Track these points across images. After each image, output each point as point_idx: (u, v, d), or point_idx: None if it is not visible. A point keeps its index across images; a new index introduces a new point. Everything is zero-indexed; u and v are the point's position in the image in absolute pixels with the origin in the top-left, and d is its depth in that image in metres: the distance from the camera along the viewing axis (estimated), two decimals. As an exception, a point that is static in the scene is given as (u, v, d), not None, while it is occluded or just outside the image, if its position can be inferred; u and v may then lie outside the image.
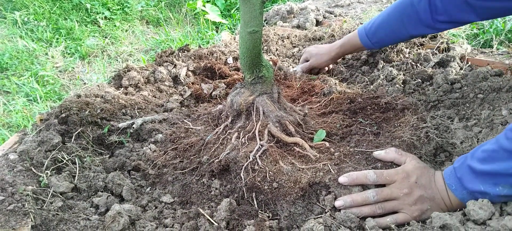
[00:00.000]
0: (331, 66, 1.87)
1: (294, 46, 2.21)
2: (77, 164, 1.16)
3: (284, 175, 1.03)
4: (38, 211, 0.94)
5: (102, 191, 1.09)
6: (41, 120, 1.37)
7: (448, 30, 2.00)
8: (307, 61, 1.82)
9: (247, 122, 1.24)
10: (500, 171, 0.79)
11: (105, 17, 4.02)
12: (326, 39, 2.07)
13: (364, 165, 1.03)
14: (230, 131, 1.24)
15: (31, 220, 0.90)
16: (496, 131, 1.09)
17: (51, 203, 0.99)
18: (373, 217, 0.91)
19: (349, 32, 2.06)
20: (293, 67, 1.93)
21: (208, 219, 0.95)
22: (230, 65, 1.92)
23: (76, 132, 1.27)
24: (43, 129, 1.26)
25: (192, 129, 1.36)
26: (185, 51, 2.02)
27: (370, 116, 1.29)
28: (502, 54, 1.73)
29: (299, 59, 2.01)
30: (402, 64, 1.68)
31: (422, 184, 0.90)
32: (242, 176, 1.05)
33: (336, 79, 1.74)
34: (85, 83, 2.99)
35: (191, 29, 3.62)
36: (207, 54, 1.97)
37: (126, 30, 3.95)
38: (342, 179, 0.96)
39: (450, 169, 0.90)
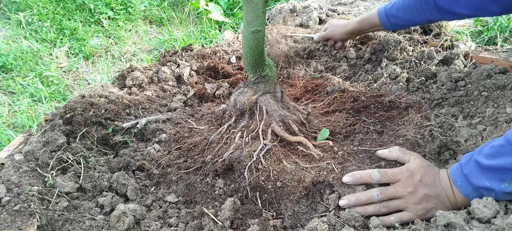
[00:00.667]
0: (348, 42, 1.89)
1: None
2: (82, 164, 1.17)
3: (288, 174, 1.03)
4: (43, 211, 0.94)
5: (107, 191, 1.10)
6: (46, 120, 1.38)
7: (461, 20, 1.98)
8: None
9: (250, 121, 1.24)
10: (507, 166, 0.78)
11: (109, 17, 4.03)
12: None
13: (368, 163, 1.03)
14: (233, 130, 1.25)
15: (37, 220, 0.91)
16: (501, 128, 1.09)
17: (57, 203, 1.00)
18: (378, 216, 0.91)
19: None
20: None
21: (212, 219, 0.96)
22: (233, 64, 1.93)
23: (81, 132, 1.28)
24: (48, 130, 1.27)
25: (195, 128, 1.37)
26: (188, 51, 2.02)
27: (374, 115, 1.29)
28: (506, 52, 1.72)
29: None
30: (405, 62, 1.68)
31: (427, 183, 0.90)
32: (246, 175, 1.05)
33: (339, 77, 1.74)
34: (89, 83, 3.00)
35: (194, 29, 3.62)
36: (210, 53, 1.98)
37: (130, 30, 3.96)
38: (346, 179, 0.96)
39: (456, 165, 0.90)
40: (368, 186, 0.96)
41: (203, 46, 2.20)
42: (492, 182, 0.81)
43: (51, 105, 2.57)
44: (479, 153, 0.85)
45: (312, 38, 1.96)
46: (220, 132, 1.27)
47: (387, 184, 0.94)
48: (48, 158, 1.14)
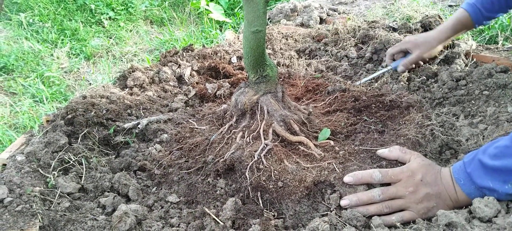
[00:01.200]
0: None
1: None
2: (84, 164, 1.17)
3: (289, 174, 1.04)
4: (45, 212, 0.95)
5: (108, 191, 1.10)
6: (47, 121, 1.38)
7: None
8: (404, 53, 1.61)
9: (251, 121, 1.24)
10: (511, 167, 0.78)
11: (110, 18, 4.04)
12: (331, 37, 2.07)
13: (369, 163, 1.03)
14: (234, 130, 1.25)
15: (39, 221, 0.91)
16: (502, 127, 1.09)
17: (59, 203, 1.00)
18: (379, 215, 0.91)
19: (354, 29, 2.05)
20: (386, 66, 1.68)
21: (214, 219, 0.96)
22: (234, 64, 1.93)
23: (82, 133, 1.28)
24: (50, 130, 1.27)
25: (197, 128, 1.37)
26: (189, 51, 2.02)
27: (375, 114, 1.29)
28: (507, 50, 1.72)
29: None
30: (406, 62, 1.68)
31: (428, 182, 0.90)
32: (247, 175, 1.05)
33: (340, 77, 1.74)
34: (90, 84, 3.01)
35: (195, 29, 3.62)
36: (211, 53, 1.98)
37: (131, 30, 3.97)
38: (347, 179, 0.96)
39: (459, 163, 0.89)
40: (369, 186, 0.96)
41: (204, 46, 2.20)
42: (495, 183, 0.81)
43: (52, 106, 2.58)
44: (484, 152, 0.85)
45: (395, 69, 1.62)
46: (221, 132, 1.27)
47: (388, 184, 0.94)
48: (50, 158, 1.14)
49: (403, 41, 1.59)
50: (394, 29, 1.99)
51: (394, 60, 1.65)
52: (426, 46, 1.52)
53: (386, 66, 1.65)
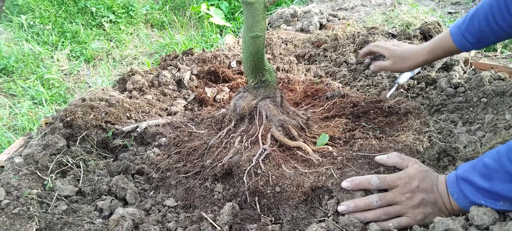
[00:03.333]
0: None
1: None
2: (82, 167, 1.17)
3: (287, 179, 1.04)
4: (42, 215, 0.95)
5: (106, 195, 1.10)
6: (46, 123, 1.38)
7: None
8: (381, 57, 1.55)
9: (250, 126, 1.24)
10: (501, 192, 0.79)
11: (110, 21, 4.04)
12: (330, 43, 2.07)
13: (367, 169, 1.03)
14: (233, 134, 1.25)
15: (36, 224, 0.91)
16: (500, 135, 1.09)
17: (56, 206, 1.00)
18: (377, 222, 0.91)
19: (353, 35, 2.06)
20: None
21: (211, 223, 0.96)
22: (233, 69, 1.93)
23: (81, 136, 1.28)
24: (48, 133, 1.27)
25: (195, 132, 1.37)
26: (189, 55, 2.03)
27: (373, 120, 1.29)
28: (506, 58, 1.72)
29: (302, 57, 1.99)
30: (405, 68, 1.68)
31: (424, 188, 0.90)
32: (245, 180, 1.05)
33: (339, 82, 1.75)
34: (90, 86, 3.01)
35: (195, 33, 3.63)
36: (211, 58, 1.98)
37: (131, 34, 3.98)
38: (345, 184, 0.96)
39: (452, 176, 0.89)
40: (367, 192, 0.96)
41: (203, 50, 2.21)
42: (487, 201, 0.82)
43: (51, 108, 2.57)
44: (473, 170, 0.84)
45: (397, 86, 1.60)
46: (220, 136, 1.27)
47: (386, 190, 0.94)
48: (48, 161, 1.14)
49: (385, 45, 1.50)
50: (393, 36, 1.99)
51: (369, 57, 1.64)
52: (398, 62, 1.43)
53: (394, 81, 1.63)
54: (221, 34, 3.40)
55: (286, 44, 2.23)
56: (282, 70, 1.91)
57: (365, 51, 1.55)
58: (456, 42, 1.26)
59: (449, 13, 2.63)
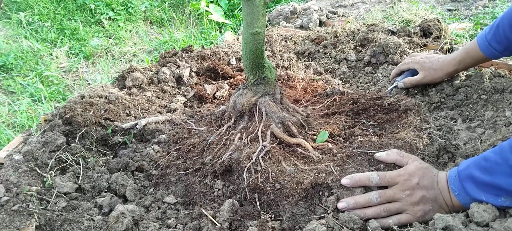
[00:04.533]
0: None
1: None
2: (81, 164, 1.17)
3: (287, 176, 1.04)
4: (42, 212, 0.95)
5: (105, 192, 1.10)
6: (45, 120, 1.38)
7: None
8: (408, 71, 1.53)
9: (249, 123, 1.24)
10: (503, 185, 0.79)
11: (109, 18, 4.03)
12: (330, 40, 2.07)
13: (366, 166, 1.03)
14: (233, 131, 1.25)
15: (36, 220, 0.91)
16: (500, 132, 1.09)
17: (55, 203, 1.00)
18: (376, 219, 0.91)
19: (353, 32, 2.05)
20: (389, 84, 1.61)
21: (211, 220, 0.96)
22: (233, 66, 1.93)
23: (80, 133, 1.28)
24: (48, 130, 1.27)
25: (195, 129, 1.37)
26: (188, 52, 2.02)
27: (373, 117, 1.29)
28: (506, 55, 1.71)
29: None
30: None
31: (424, 185, 0.90)
32: (245, 177, 1.05)
33: (339, 79, 1.74)
34: (89, 83, 3.00)
35: (194, 30, 3.62)
36: (210, 55, 1.98)
37: (130, 31, 3.97)
38: (345, 181, 0.96)
39: (454, 172, 0.89)
40: (366, 188, 0.96)
41: (203, 47, 2.20)
42: (488, 197, 0.82)
43: (51, 105, 2.57)
44: (475, 165, 0.85)
45: (396, 86, 1.55)
46: (220, 133, 1.27)
47: (386, 187, 0.94)
48: (47, 158, 1.14)
49: (412, 60, 1.51)
50: (393, 33, 1.99)
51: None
52: (430, 74, 1.44)
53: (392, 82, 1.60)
54: (220, 31, 3.39)
55: (285, 41, 2.22)
56: (281, 67, 1.91)
57: (396, 72, 1.56)
58: (484, 51, 1.29)
59: (449, 10, 2.63)
